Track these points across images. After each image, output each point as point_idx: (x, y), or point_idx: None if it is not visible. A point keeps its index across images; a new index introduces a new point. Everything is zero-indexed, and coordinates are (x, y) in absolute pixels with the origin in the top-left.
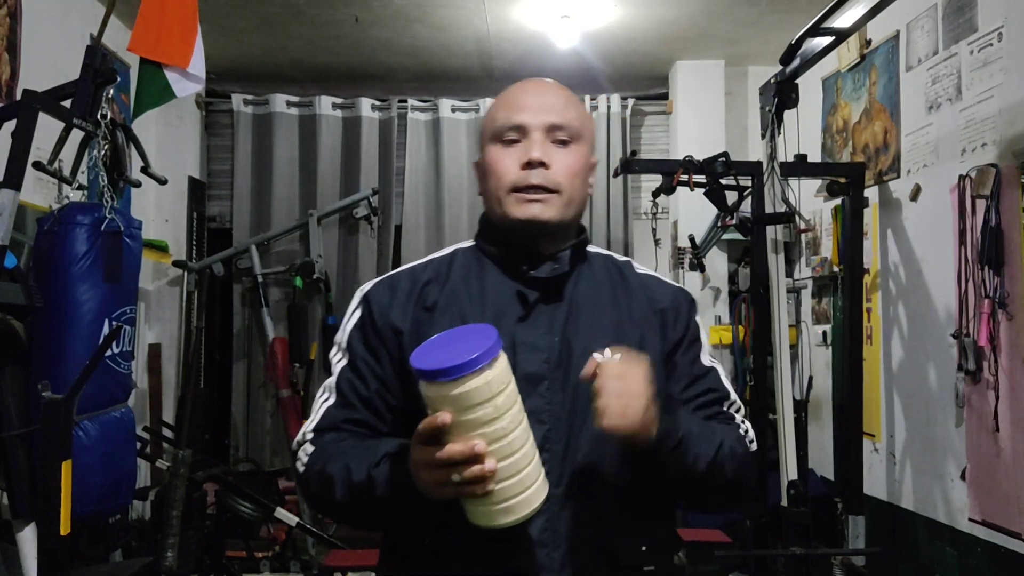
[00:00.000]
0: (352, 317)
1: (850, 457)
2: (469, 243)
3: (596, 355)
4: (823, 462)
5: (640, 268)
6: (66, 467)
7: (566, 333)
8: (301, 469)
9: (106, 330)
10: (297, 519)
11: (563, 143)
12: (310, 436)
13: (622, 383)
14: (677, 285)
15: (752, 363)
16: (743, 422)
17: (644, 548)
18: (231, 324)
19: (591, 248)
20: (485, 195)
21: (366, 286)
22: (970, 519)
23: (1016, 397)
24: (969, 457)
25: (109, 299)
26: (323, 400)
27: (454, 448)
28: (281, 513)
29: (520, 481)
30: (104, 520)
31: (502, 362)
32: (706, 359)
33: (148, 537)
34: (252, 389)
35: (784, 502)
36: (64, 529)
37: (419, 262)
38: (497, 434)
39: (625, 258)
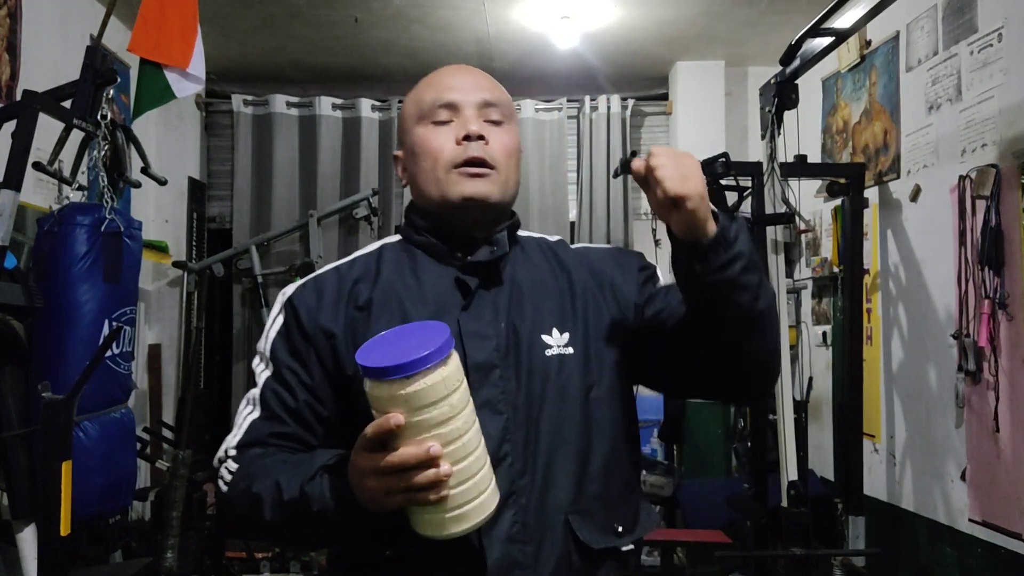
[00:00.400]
0: (275, 324)
1: (850, 458)
2: (394, 238)
3: (545, 337)
4: (823, 463)
5: (574, 244)
6: (66, 467)
7: (511, 318)
8: (224, 488)
9: (106, 331)
10: None
11: (496, 122)
12: (232, 452)
13: (676, 155)
14: (612, 247)
15: None
16: None
17: (619, 528)
18: (231, 325)
19: (522, 232)
20: (415, 180)
21: (288, 290)
22: (970, 520)
23: (1016, 398)
24: (969, 458)
25: (109, 300)
26: (247, 413)
27: (407, 452)
28: None
29: (474, 486)
30: (104, 521)
31: (455, 359)
32: (663, 279)
33: (148, 538)
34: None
35: (784, 503)
36: (64, 530)
37: (343, 261)
38: (451, 435)
39: (557, 237)
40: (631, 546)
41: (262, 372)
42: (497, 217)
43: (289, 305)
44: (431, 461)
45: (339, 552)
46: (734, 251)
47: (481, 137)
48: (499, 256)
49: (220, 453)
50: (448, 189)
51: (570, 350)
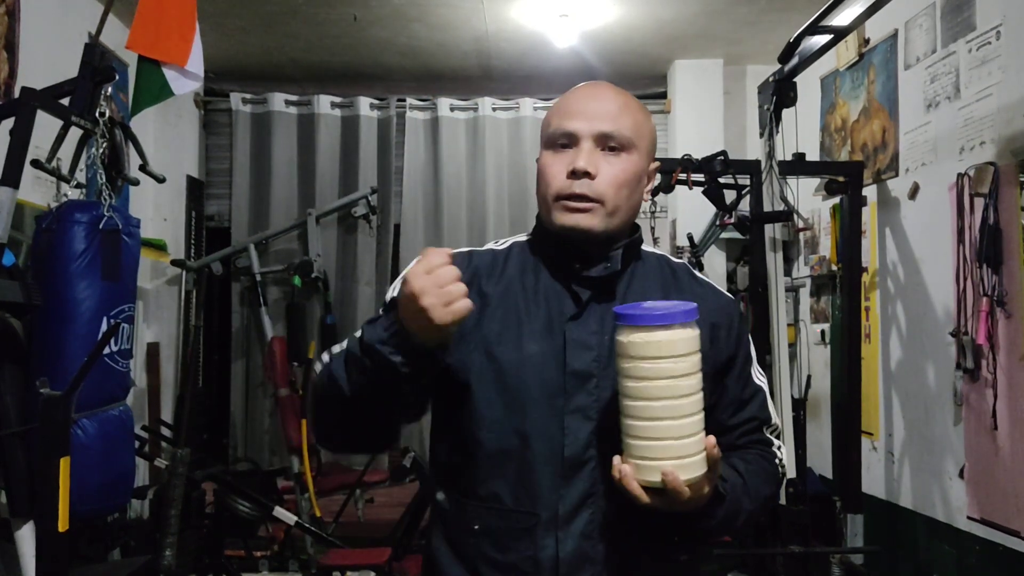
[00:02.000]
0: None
1: (849, 456)
2: (524, 237)
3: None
4: (822, 461)
5: (696, 273)
6: (64, 463)
7: (616, 332)
8: (317, 373)
9: (104, 328)
10: (296, 518)
11: (613, 151)
12: (335, 350)
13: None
14: (728, 296)
15: None
16: (779, 449)
17: (676, 539)
18: (230, 323)
19: (646, 248)
20: (538, 198)
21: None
22: (968, 517)
23: (1014, 395)
24: (968, 455)
25: (107, 297)
26: (367, 320)
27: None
28: (280, 512)
29: (669, 447)
30: (102, 519)
31: (695, 330)
32: (756, 377)
33: (146, 536)
34: (251, 388)
35: (783, 501)
36: (62, 526)
37: (477, 248)
38: (673, 391)
39: (680, 261)
40: (686, 556)
41: (393, 292)
42: (608, 240)
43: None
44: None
45: (438, 518)
46: (717, 516)
47: (587, 174)
48: (611, 274)
49: (334, 347)
50: (552, 216)
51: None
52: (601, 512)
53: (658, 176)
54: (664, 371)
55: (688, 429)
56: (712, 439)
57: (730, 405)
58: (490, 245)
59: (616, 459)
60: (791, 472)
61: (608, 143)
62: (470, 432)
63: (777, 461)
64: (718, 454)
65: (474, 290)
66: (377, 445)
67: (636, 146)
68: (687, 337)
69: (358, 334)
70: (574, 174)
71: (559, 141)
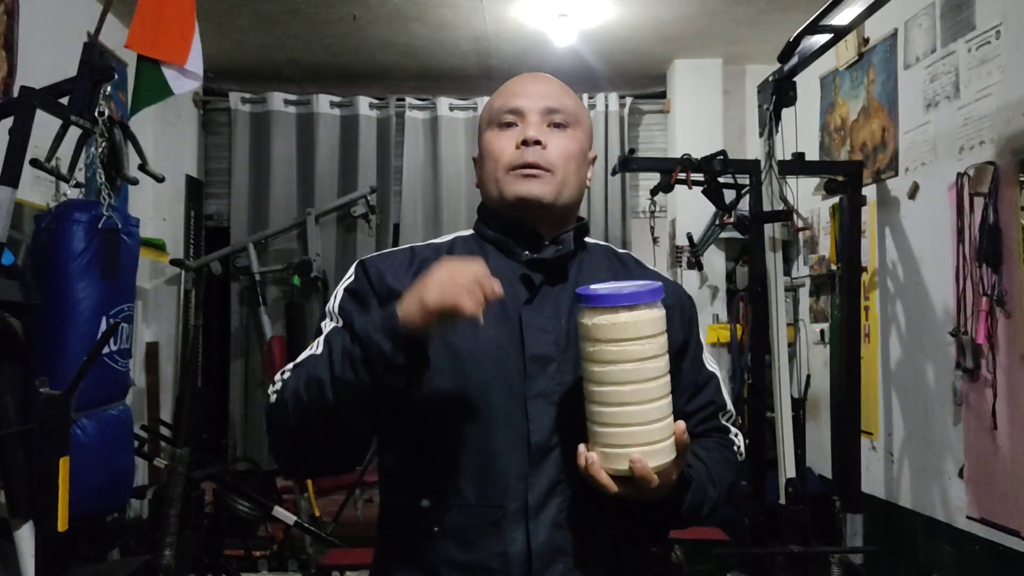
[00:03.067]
0: (344, 283)
1: (848, 455)
2: (468, 232)
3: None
4: (821, 460)
5: (642, 261)
6: (64, 463)
7: (572, 316)
8: (273, 398)
9: (103, 327)
10: (295, 518)
11: (559, 126)
12: (287, 372)
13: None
14: (677, 284)
15: (750, 361)
16: (736, 436)
17: (644, 529)
18: (229, 323)
19: (589, 239)
20: (482, 181)
21: (363, 258)
22: (968, 517)
23: (1014, 395)
24: (967, 455)
25: (107, 296)
26: (308, 351)
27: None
28: (279, 512)
29: (636, 433)
30: (102, 519)
31: (660, 311)
32: (708, 363)
33: (146, 536)
34: (250, 388)
35: (782, 500)
36: (62, 526)
37: (417, 244)
38: (639, 374)
39: (624, 250)
40: (656, 548)
41: (328, 326)
42: (559, 217)
43: (360, 267)
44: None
45: (389, 528)
46: (688, 501)
47: (538, 142)
48: (563, 255)
49: (276, 377)
50: (504, 189)
51: None
52: (571, 500)
53: (593, 165)
54: (631, 354)
55: (656, 414)
56: (682, 424)
57: (686, 391)
58: (431, 241)
59: (581, 447)
60: (791, 472)
61: (553, 118)
62: (427, 427)
63: (735, 448)
64: (687, 439)
65: (419, 274)
66: (353, 457)
67: (579, 124)
68: (654, 317)
69: (329, 340)
70: (524, 143)
71: (504, 119)
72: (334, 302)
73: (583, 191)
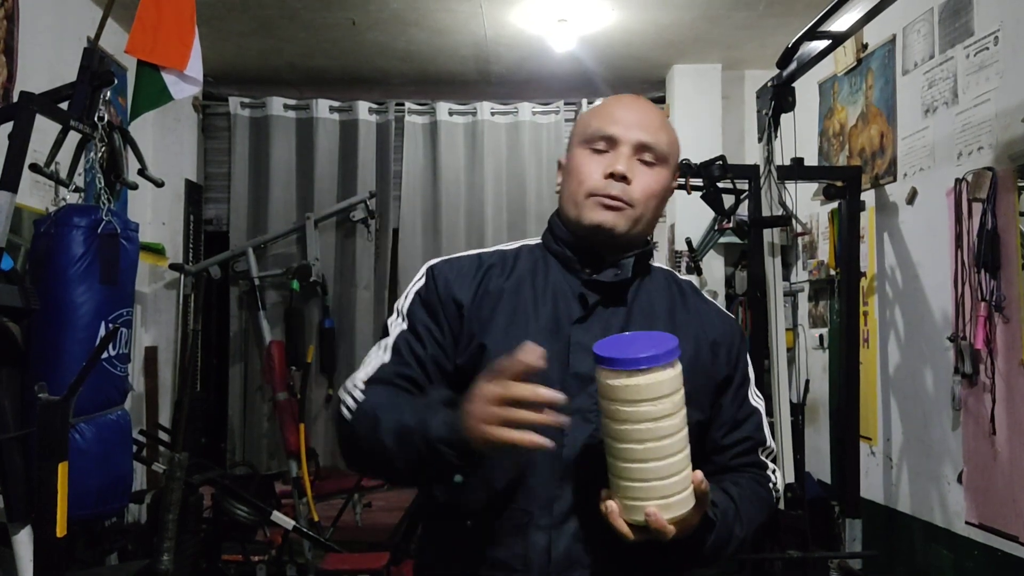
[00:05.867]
0: (415, 286)
1: (847, 460)
2: (534, 240)
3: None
4: (820, 465)
5: (701, 292)
6: (62, 468)
7: None
8: (347, 414)
9: (103, 332)
10: (294, 523)
11: (648, 164)
12: (361, 386)
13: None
14: (732, 317)
15: None
16: (773, 473)
17: (665, 562)
18: (228, 327)
19: (654, 262)
20: (562, 195)
21: (432, 261)
22: (967, 522)
23: (1013, 400)
24: (966, 460)
25: (106, 301)
26: (378, 356)
27: (521, 388)
28: (277, 517)
29: (657, 487)
30: (100, 523)
31: (677, 368)
32: (752, 398)
33: (144, 540)
34: (249, 392)
35: (781, 505)
36: (60, 531)
37: (485, 250)
38: (658, 432)
39: (687, 278)
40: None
41: (398, 326)
42: (626, 245)
43: (430, 272)
44: (538, 402)
45: (426, 522)
46: (709, 543)
47: (624, 178)
48: (621, 280)
49: (347, 384)
50: (583, 213)
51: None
52: (595, 517)
53: (672, 193)
54: (646, 414)
55: (672, 469)
56: (699, 474)
57: (724, 424)
58: (497, 247)
59: (604, 493)
60: (790, 477)
61: (645, 154)
62: None
63: (771, 485)
64: (706, 488)
65: (484, 284)
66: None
67: (668, 162)
68: (669, 378)
69: (412, 413)
70: (612, 176)
71: (597, 144)
72: (404, 302)
73: (655, 224)
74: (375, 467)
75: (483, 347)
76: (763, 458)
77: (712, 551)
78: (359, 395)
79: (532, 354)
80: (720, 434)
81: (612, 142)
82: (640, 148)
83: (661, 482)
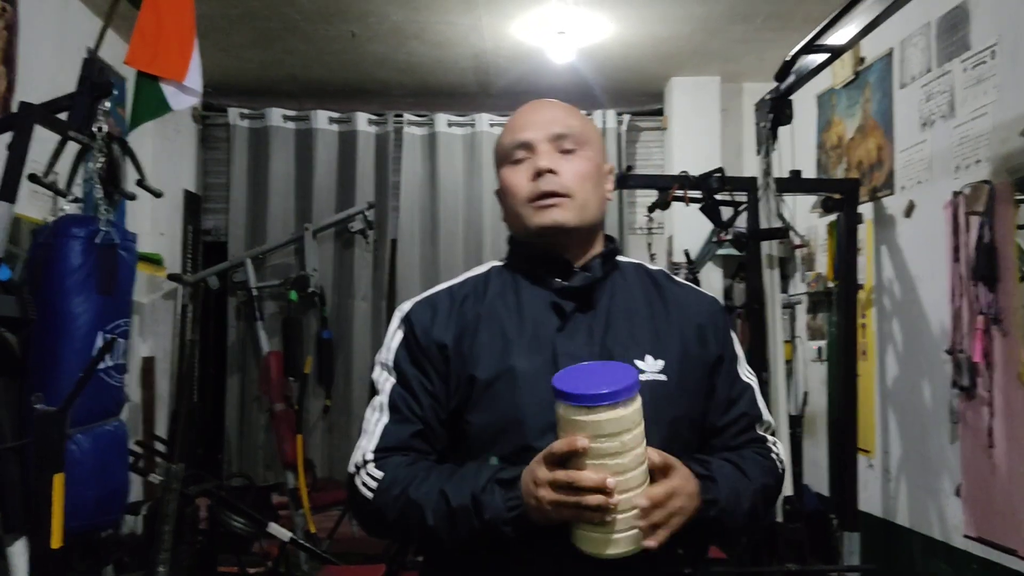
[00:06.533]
0: (395, 337)
1: (845, 473)
2: (500, 263)
3: (638, 362)
4: (818, 478)
5: (675, 277)
6: (58, 480)
7: (606, 342)
8: (369, 495)
9: (100, 343)
10: (290, 535)
11: (569, 151)
12: (370, 457)
13: (668, 512)
14: (710, 296)
15: None
16: (774, 445)
17: (680, 551)
18: (225, 338)
19: (621, 258)
20: (507, 216)
21: (405, 307)
22: (965, 536)
23: (1011, 413)
24: (964, 473)
25: (103, 312)
26: (376, 420)
27: (587, 475)
28: (274, 528)
29: (633, 517)
30: (96, 535)
31: (637, 403)
32: (743, 374)
33: (140, 552)
34: (246, 403)
35: (779, 518)
36: (56, 543)
37: (455, 281)
38: (618, 468)
39: (658, 267)
40: (691, 570)
41: (386, 380)
42: (585, 238)
43: (407, 321)
44: (604, 489)
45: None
46: (712, 514)
47: (551, 171)
48: (593, 281)
49: (356, 459)
50: (528, 221)
51: (663, 377)
52: None
53: (612, 176)
54: (606, 451)
55: (630, 504)
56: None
57: (720, 404)
58: (466, 275)
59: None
60: (788, 490)
61: (563, 144)
62: (466, 453)
63: (774, 456)
64: (667, 459)
65: (461, 317)
66: None
67: (588, 143)
68: (629, 413)
69: (457, 492)
70: (538, 174)
71: (516, 155)
72: (388, 355)
73: (604, 207)
74: (410, 539)
75: (472, 378)
76: (762, 432)
77: (727, 509)
78: (375, 471)
79: (579, 441)
80: (716, 415)
81: (528, 147)
82: (555, 139)
83: (620, 515)
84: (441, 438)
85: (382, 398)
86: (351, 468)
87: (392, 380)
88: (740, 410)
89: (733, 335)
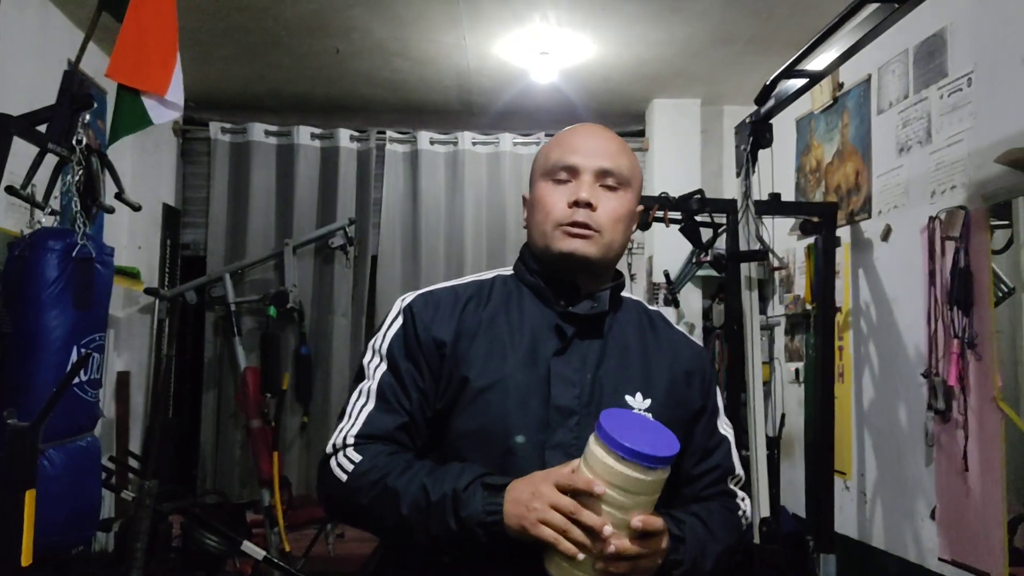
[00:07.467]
0: (393, 325)
1: (821, 495)
2: (508, 271)
3: (628, 398)
4: (796, 499)
5: (670, 322)
6: (30, 496)
7: (598, 372)
8: (343, 476)
9: (75, 357)
10: (264, 553)
11: (611, 188)
12: (352, 442)
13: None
14: (701, 346)
15: (725, 399)
16: (742, 501)
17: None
18: (203, 353)
19: (624, 293)
20: (530, 227)
21: (407, 297)
22: (940, 559)
23: (985, 437)
24: (939, 496)
25: (78, 326)
26: (361, 405)
27: (591, 516)
28: (248, 547)
29: (578, 562)
30: (67, 552)
31: (665, 475)
32: (721, 427)
33: (111, 569)
34: (222, 419)
35: (756, 539)
36: (26, 560)
37: (460, 281)
38: (618, 523)
39: (655, 308)
40: None
41: (377, 367)
42: (598, 273)
43: (408, 311)
44: (598, 533)
45: (394, 555)
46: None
47: (589, 204)
48: (598, 313)
49: (336, 440)
50: (552, 243)
51: (649, 416)
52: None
53: (639, 217)
54: (616, 502)
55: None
56: (645, 519)
57: (695, 453)
58: (471, 277)
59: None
60: (765, 511)
61: (607, 180)
62: (445, 455)
63: (740, 513)
64: (657, 524)
65: (462, 319)
66: None
67: (631, 185)
68: (656, 480)
69: (437, 487)
70: (576, 204)
71: (559, 175)
72: (382, 342)
73: (625, 248)
74: (377, 530)
75: (465, 379)
76: (732, 486)
77: (692, 569)
78: (353, 455)
79: (598, 487)
80: (691, 463)
81: (573, 171)
82: (601, 174)
83: (596, 562)
84: (423, 435)
85: (370, 383)
86: (328, 449)
87: (383, 368)
88: (715, 461)
89: (716, 388)
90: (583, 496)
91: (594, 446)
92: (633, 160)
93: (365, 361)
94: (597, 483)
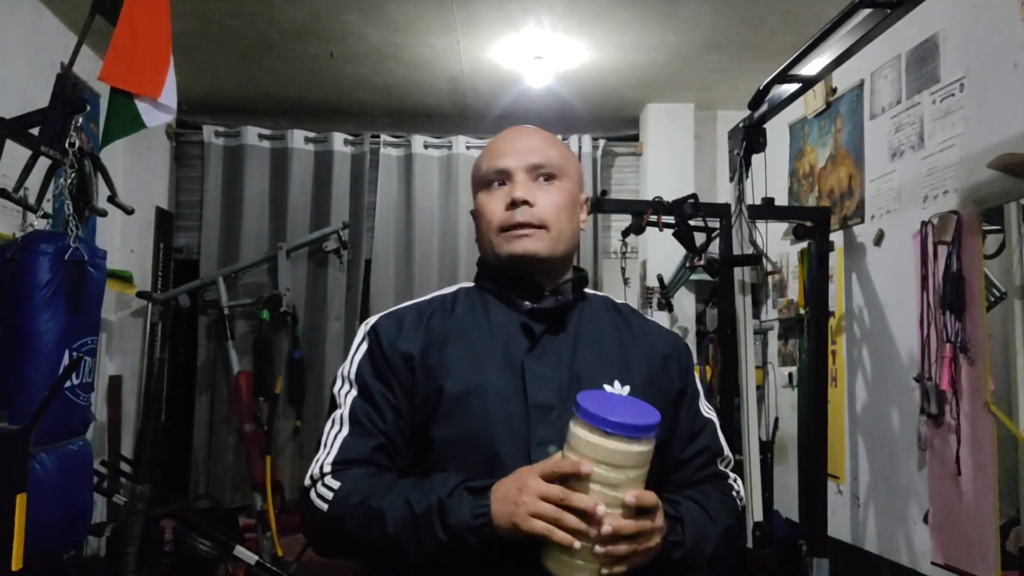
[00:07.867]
0: (359, 349)
1: (815, 499)
2: (469, 284)
3: (606, 386)
4: (789, 504)
5: (639, 312)
6: (20, 500)
7: (575, 365)
8: (324, 506)
9: (66, 361)
10: (257, 558)
11: (547, 180)
12: (329, 469)
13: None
14: (674, 332)
15: (719, 404)
16: (735, 482)
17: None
18: (195, 357)
19: (588, 289)
20: (479, 240)
21: (371, 320)
22: (932, 563)
23: (977, 441)
24: (931, 500)
25: (70, 329)
26: (335, 433)
27: (580, 497)
28: (240, 551)
29: (578, 551)
30: (58, 557)
31: (651, 445)
32: (704, 409)
33: (103, 574)
34: (215, 423)
35: (749, 544)
36: (16, 565)
37: (422, 299)
38: (612, 502)
39: (622, 301)
40: None
41: (347, 393)
42: (556, 268)
43: (372, 332)
44: (591, 514)
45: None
46: (676, 556)
47: (526, 202)
48: (563, 304)
49: (313, 471)
50: (499, 249)
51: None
52: None
53: (587, 206)
54: (606, 480)
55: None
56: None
57: (683, 437)
58: (433, 294)
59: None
60: (758, 515)
61: (540, 173)
62: (431, 468)
63: (734, 494)
64: (651, 500)
65: (428, 331)
66: None
67: (566, 174)
68: (643, 450)
69: (421, 500)
70: (513, 204)
71: (493, 181)
72: (350, 368)
73: (578, 237)
74: (368, 554)
75: (441, 389)
76: (722, 468)
77: (693, 552)
78: (332, 482)
79: (584, 466)
80: (679, 448)
81: (505, 174)
82: (533, 169)
83: (593, 545)
84: (404, 454)
85: (342, 411)
86: (306, 481)
87: (354, 393)
88: (703, 443)
89: (694, 371)
90: (571, 481)
91: (575, 428)
92: (564, 150)
93: (335, 390)
94: (584, 462)
